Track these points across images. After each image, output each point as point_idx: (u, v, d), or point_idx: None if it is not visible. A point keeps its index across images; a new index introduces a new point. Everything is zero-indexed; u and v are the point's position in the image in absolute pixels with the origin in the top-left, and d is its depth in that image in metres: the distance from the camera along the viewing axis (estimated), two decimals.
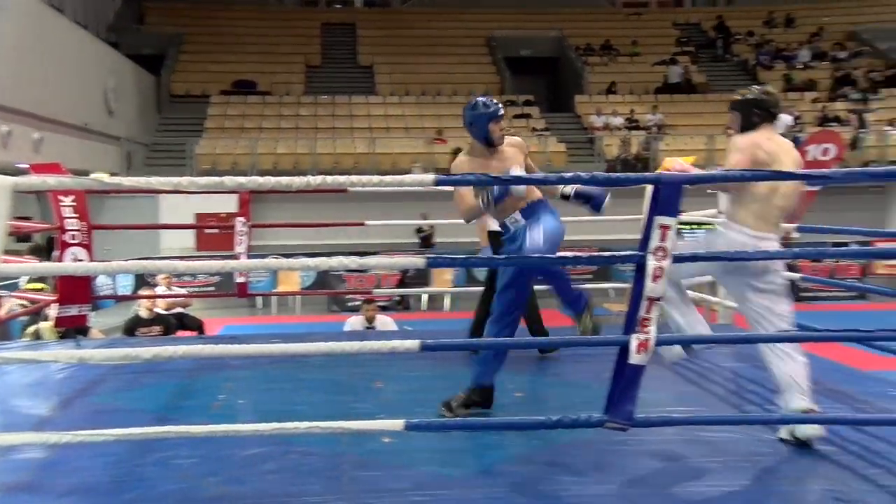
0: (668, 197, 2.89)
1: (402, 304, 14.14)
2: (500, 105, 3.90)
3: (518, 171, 3.78)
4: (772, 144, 3.46)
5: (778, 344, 3.37)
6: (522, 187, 3.76)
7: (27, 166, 7.67)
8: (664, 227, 2.88)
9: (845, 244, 12.12)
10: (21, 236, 9.58)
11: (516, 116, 20.79)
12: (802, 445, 3.29)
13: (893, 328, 2.97)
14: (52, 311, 5.86)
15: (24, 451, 3.28)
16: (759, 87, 3.70)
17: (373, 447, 3.38)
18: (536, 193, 3.91)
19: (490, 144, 3.85)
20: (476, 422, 3.04)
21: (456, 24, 25.06)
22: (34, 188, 2.99)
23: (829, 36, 24.51)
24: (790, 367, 3.36)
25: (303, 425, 2.79)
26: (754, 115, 3.53)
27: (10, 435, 2.85)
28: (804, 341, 3.24)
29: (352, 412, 3.85)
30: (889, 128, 19.07)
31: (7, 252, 2.64)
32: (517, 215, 3.84)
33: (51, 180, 3.13)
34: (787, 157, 3.47)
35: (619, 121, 20.02)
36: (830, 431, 3.43)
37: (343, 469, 3.23)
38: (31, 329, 6.82)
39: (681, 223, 3.18)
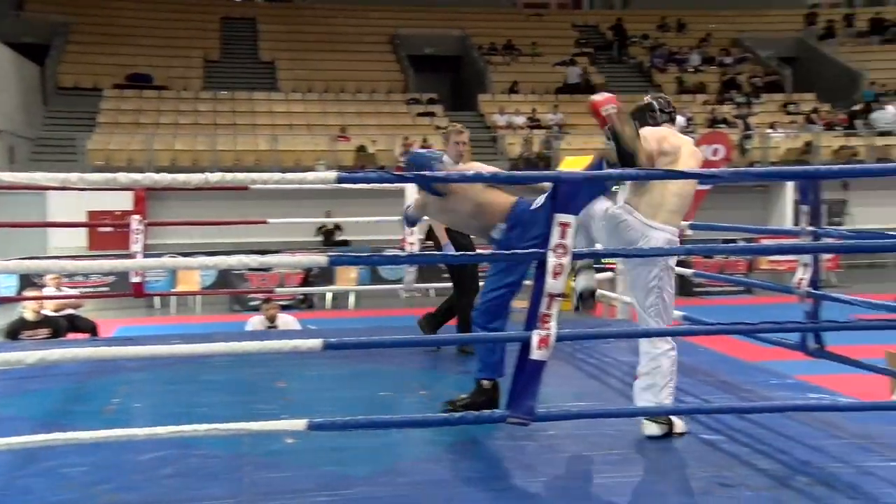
0: (568, 195, 2.95)
1: (305, 303, 13.96)
2: None
3: None
4: (676, 140, 3.63)
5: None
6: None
7: None
8: (564, 225, 2.94)
9: (733, 241, 12.70)
10: None
11: (420, 115, 20.85)
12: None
13: (775, 321, 3.13)
14: None
15: None
16: (652, 94, 3.92)
17: (275, 448, 3.33)
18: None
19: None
20: (379, 420, 3.03)
21: (359, 21, 24.90)
22: None
23: (716, 42, 25.63)
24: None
25: (202, 427, 2.72)
26: (650, 118, 3.69)
27: None
28: (696, 335, 3.37)
29: (254, 413, 3.77)
30: (770, 131, 20.08)
31: None
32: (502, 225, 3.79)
33: None
34: (688, 153, 3.60)
35: (521, 120, 20.34)
36: (718, 420, 3.59)
37: (245, 471, 3.17)
38: None
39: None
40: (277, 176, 2.98)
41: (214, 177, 2.80)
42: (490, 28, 25.31)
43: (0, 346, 6.40)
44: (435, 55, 24.55)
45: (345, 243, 16.36)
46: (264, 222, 7.28)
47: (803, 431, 3.49)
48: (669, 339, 3.45)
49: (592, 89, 22.73)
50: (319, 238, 16.45)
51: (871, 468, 3.08)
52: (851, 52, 25.12)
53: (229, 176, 2.85)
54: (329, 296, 14.48)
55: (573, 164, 6.93)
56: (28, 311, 7.23)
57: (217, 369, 4.68)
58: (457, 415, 3.00)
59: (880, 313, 3.42)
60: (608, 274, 6.75)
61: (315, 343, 3.03)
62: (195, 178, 2.78)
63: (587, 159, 6.95)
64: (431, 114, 20.97)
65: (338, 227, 16.23)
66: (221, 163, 17.30)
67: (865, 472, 3.04)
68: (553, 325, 2.98)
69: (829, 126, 20.68)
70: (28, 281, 11.71)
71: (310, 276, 13.93)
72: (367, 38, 24.30)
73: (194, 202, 14.63)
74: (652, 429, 3.43)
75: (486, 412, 3.04)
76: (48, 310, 7.49)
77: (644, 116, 3.75)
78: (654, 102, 3.80)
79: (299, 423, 2.89)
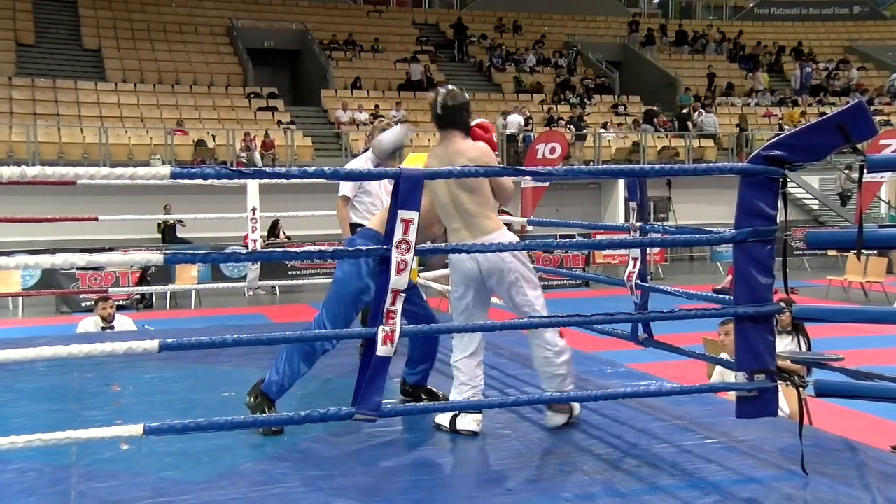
0: (409, 191, 2.98)
1: (144, 303, 13.29)
2: None
3: None
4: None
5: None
6: None
7: None
8: (406, 221, 2.96)
9: (572, 236, 13.28)
10: None
11: (261, 109, 20.37)
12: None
13: (609, 312, 3.30)
14: None
15: None
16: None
17: (107, 456, 3.16)
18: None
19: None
20: (221, 422, 2.93)
21: (192, 11, 23.99)
22: None
23: (549, 44, 26.70)
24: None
25: (21, 439, 2.52)
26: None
27: None
28: (535, 327, 3.48)
29: (83, 420, 3.57)
30: (602, 130, 21.16)
31: None
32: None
33: None
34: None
35: (364, 116, 20.31)
36: None
37: (71, 483, 2.98)
38: None
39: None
40: (106, 170, 2.82)
41: (33, 170, 2.61)
42: (330, 23, 25.14)
43: None
44: (274, 49, 24.05)
45: (185, 241, 15.74)
46: (95, 219, 6.87)
47: (633, 416, 3.72)
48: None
49: (434, 86, 23.11)
50: (158, 235, 15.75)
51: (689, 447, 3.33)
52: (668, 59, 27.00)
53: (50, 170, 2.67)
54: (169, 295, 13.88)
55: (414, 160, 6.99)
56: None
57: (40, 376, 4.38)
58: (301, 413, 2.95)
59: (699, 303, 3.68)
60: (445, 271, 6.86)
61: (151, 344, 2.89)
62: (9, 171, 2.58)
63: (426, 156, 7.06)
64: (274, 108, 20.55)
65: (180, 222, 15.59)
66: (44, 155, 16.20)
67: (684, 451, 3.28)
68: (397, 321, 3.00)
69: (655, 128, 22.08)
70: None
71: (147, 275, 13.29)
72: (201, 28, 23.47)
73: (15, 197, 13.58)
74: (557, 419, 3.55)
75: (333, 409, 3.01)
76: None
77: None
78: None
79: (135, 429, 2.75)
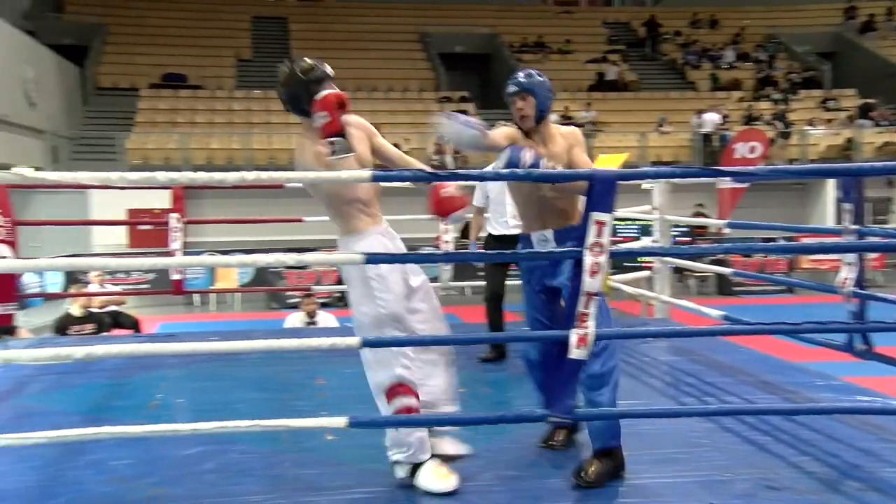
0: (602, 193, 2.94)
1: (343, 301, 14.01)
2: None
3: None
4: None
5: (379, 350, 3.04)
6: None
7: None
8: (600, 223, 2.92)
9: (773, 240, 12.52)
10: None
11: (453, 112, 20.86)
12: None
13: (818, 321, 3.08)
14: None
15: None
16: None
17: (314, 445, 3.36)
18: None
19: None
20: (420, 418, 3.03)
21: (388, 19, 24.98)
22: None
23: (749, 38, 25.29)
24: (380, 376, 3.05)
25: (243, 424, 2.75)
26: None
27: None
28: (737, 334, 3.32)
29: (292, 410, 3.81)
30: (809, 127, 19.77)
31: None
32: (549, 234, 3.27)
33: None
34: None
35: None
36: (763, 421, 3.54)
37: (284, 467, 3.20)
38: None
39: (617, 219, 3.25)
40: (313, 175, 3.00)
41: (251, 175, 2.82)
42: (519, 25, 25.25)
43: (49, 340, 6.52)
44: (465, 53, 24.55)
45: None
46: (300, 220, 7.32)
47: (852, 434, 3.42)
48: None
49: (626, 87, 22.65)
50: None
51: None
52: (892, 46, 24.67)
53: (265, 174, 2.88)
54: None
55: (607, 161, 6.89)
56: (74, 306, 7.39)
57: (255, 366, 4.72)
58: (496, 413, 3.00)
59: None
60: (645, 273, 6.71)
61: (353, 341, 3.05)
62: (232, 177, 2.81)
63: (621, 158, 6.92)
64: (464, 112, 20.97)
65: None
66: (256, 161, 17.47)
67: None
68: (591, 324, 2.98)
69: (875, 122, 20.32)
70: (73, 277, 11.93)
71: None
72: (396, 35, 24.38)
73: (230, 200, 14.81)
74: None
75: (526, 410, 3.03)
76: (93, 306, 7.64)
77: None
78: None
79: (340, 421, 2.91)
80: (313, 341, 3.01)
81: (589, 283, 2.93)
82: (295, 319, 7.51)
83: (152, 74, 21.30)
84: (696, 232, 13.75)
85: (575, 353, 2.98)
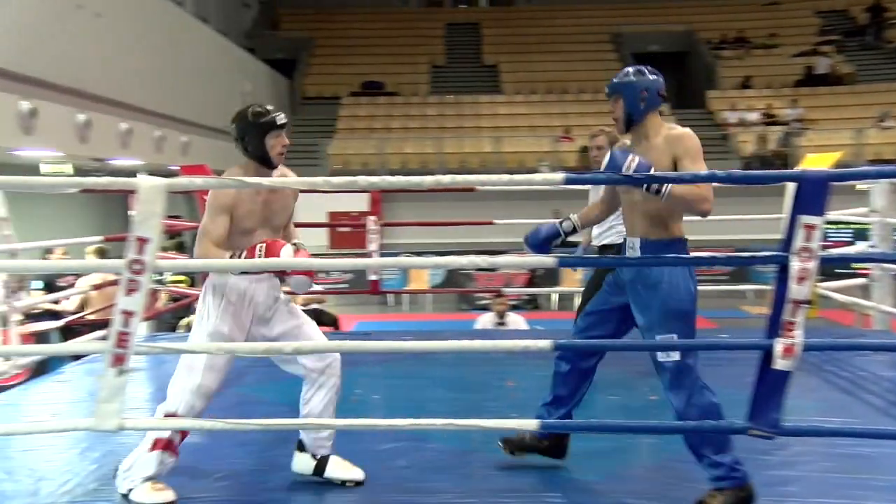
0: (813, 194, 2.76)
1: (531, 304, 14.09)
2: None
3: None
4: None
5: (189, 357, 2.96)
6: None
7: (177, 168, 8.16)
8: (809, 227, 2.75)
9: None
10: (171, 234, 10.18)
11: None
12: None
13: None
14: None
15: None
16: None
17: None
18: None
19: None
20: (613, 424, 2.99)
21: (580, 21, 24.76)
22: (184, 188, 3.17)
23: None
24: (180, 384, 2.96)
25: (439, 422, 2.83)
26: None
27: (169, 420, 3.03)
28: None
29: (483, 410, 3.87)
30: None
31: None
32: (636, 243, 3.08)
33: (198, 181, 3.31)
34: None
35: (754, 116, 19.20)
36: None
37: (474, 467, 3.25)
38: (185, 321, 7.23)
39: (828, 222, 3.03)
40: (506, 178, 3.02)
41: (446, 178, 2.89)
42: (719, 21, 24.11)
43: None
44: (659, 52, 23.82)
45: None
46: (490, 223, 7.42)
47: None
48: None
49: (839, 80, 20.97)
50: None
51: None
52: None
53: (460, 178, 2.93)
54: (555, 297, 14.50)
55: (816, 161, 6.45)
56: None
57: (447, 366, 4.84)
58: (693, 423, 2.89)
59: None
60: (861, 280, 6.19)
61: (545, 344, 3.05)
62: (428, 180, 2.89)
63: (833, 157, 6.42)
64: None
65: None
66: (447, 165, 17.91)
67: None
68: (798, 333, 2.81)
69: None
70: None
71: (535, 277, 14.05)
72: (588, 37, 24.11)
73: (423, 203, 15.29)
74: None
75: (725, 422, 2.89)
76: (298, 303, 8.15)
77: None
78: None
79: (531, 423, 2.92)
80: (506, 343, 3.04)
81: (796, 290, 2.78)
82: (486, 321, 7.62)
83: (353, 83, 22.44)
84: None
85: (780, 363, 2.83)
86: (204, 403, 2.95)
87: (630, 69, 3.32)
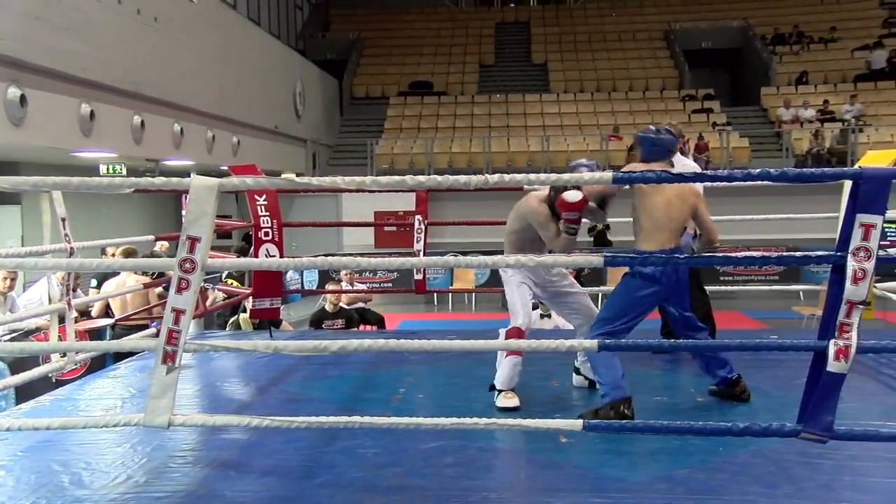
0: (873, 193, 2.69)
1: None
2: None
3: None
4: None
5: None
6: None
7: (227, 168, 8.29)
8: (867, 226, 2.68)
9: None
10: (221, 233, 10.36)
11: (695, 111, 20.03)
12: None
13: None
14: (249, 303, 6.28)
15: (229, 431, 3.57)
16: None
17: (549, 446, 3.37)
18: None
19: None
20: (659, 425, 2.95)
21: (632, 18, 24.51)
22: (236, 188, 3.22)
23: None
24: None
25: (482, 421, 2.83)
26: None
27: (217, 416, 3.09)
28: None
29: (527, 410, 3.86)
30: None
31: (212, 248, 2.87)
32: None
33: (249, 181, 3.36)
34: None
35: (809, 113, 18.78)
36: None
37: (520, 466, 3.24)
38: (233, 320, 7.36)
39: (887, 222, 2.95)
40: (554, 176, 3.01)
41: (494, 178, 2.89)
42: (775, 16, 23.59)
43: (307, 333, 7.13)
44: (713, 49, 23.44)
45: (611, 244, 16.14)
46: None
47: None
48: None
49: None
50: (590, 239, 16.40)
51: None
52: None
53: (508, 177, 2.92)
54: (600, 296, 14.36)
55: (876, 158, 6.28)
56: (328, 303, 8.02)
57: (490, 366, 4.83)
58: (741, 425, 2.84)
59: None
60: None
61: (591, 344, 3.03)
62: (476, 179, 2.89)
63: (893, 154, 6.26)
64: (709, 110, 20.06)
65: (607, 227, 16.06)
66: (494, 164, 17.89)
67: None
68: (853, 335, 2.74)
69: None
70: (327, 276, 12.94)
71: (579, 276, 13.94)
72: (639, 34, 23.86)
73: (466, 202, 15.29)
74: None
75: (776, 425, 2.83)
76: (344, 302, 8.24)
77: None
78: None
79: (575, 424, 2.90)
80: (552, 343, 3.02)
81: (851, 290, 2.72)
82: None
83: (402, 83, 22.56)
84: None
85: (834, 365, 2.77)
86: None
87: (653, 128, 3.98)
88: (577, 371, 4.40)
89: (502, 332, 4.07)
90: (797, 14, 23.48)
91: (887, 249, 5.83)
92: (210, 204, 2.77)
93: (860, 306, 2.73)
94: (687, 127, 18.80)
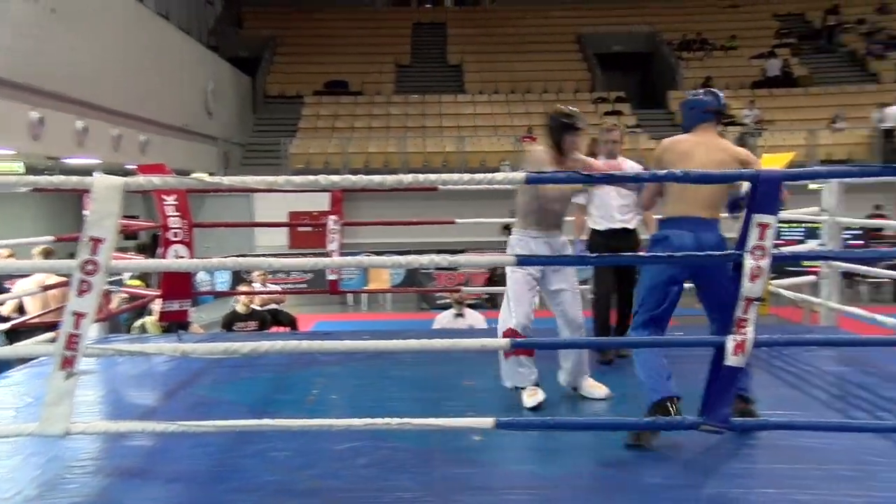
0: (767, 194, 2.82)
1: (490, 303, 14.14)
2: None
3: None
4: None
5: None
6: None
7: (135, 167, 8.04)
8: (763, 226, 2.81)
9: None
10: (128, 234, 10.04)
11: (607, 113, 20.49)
12: None
13: None
14: (156, 305, 6.11)
15: (134, 438, 3.45)
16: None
17: (462, 444, 3.39)
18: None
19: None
20: (567, 421, 3.01)
21: (546, 22, 24.89)
22: (142, 188, 3.13)
23: None
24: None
25: (395, 421, 2.83)
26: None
27: (120, 423, 3.00)
28: None
29: (441, 409, 3.88)
30: None
31: (116, 249, 2.77)
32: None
33: (156, 180, 3.27)
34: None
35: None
36: None
37: (434, 465, 3.25)
38: (138, 323, 7.14)
39: (782, 221, 3.09)
40: (467, 177, 3.04)
41: (408, 178, 2.90)
42: (680, 22, 24.43)
43: (218, 336, 6.97)
44: (623, 52, 24.08)
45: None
46: (452, 222, 7.43)
47: None
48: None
49: (794, 82, 21.38)
50: (504, 238, 16.60)
51: None
52: None
53: (422, 177, 2.94)
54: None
55: (771, 161, 6.57)
56: (240, 304, 7.87)
57: (405, 365, 4.84)
58: (646, 419, 2.93)
59: None
60: (810, 278, 6.33)
61: (503, 342, 3.07)
62: (390, 180, 2.90)
63: (787, 157, 6.56)
64: (618, 112, 20.58)
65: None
66: (411, 164, 17.90)
67: None
68: (750, 330, 2.87)
69: None
70: (239, 277, 12.70)
71: (494, 276, 14.11)
72: (553, 38, 24.26)
73: (384, 203, 15.27)
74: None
75: (678, 418, 2.94)
76: (256, 304, 8.10)
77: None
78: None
79: (487, 421, 2.94)
80: (465, 342, 3.05)
81: (749, 287, 2.84)
82: (443, 319, 7.63)
83: (317, 82, 22.31)
84: (872, 235, 12.83)
85: (731, 360, 2.89)
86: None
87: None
88: (575, 389, 4.11)
89: (500, 332, 3.92)
90: (701, 22, 24.35)
91: (780, 248, 6.11)
92: (115, 204, 2.68)
93: (756, 302, 2.85)
94: (598, 129, 19.24)
